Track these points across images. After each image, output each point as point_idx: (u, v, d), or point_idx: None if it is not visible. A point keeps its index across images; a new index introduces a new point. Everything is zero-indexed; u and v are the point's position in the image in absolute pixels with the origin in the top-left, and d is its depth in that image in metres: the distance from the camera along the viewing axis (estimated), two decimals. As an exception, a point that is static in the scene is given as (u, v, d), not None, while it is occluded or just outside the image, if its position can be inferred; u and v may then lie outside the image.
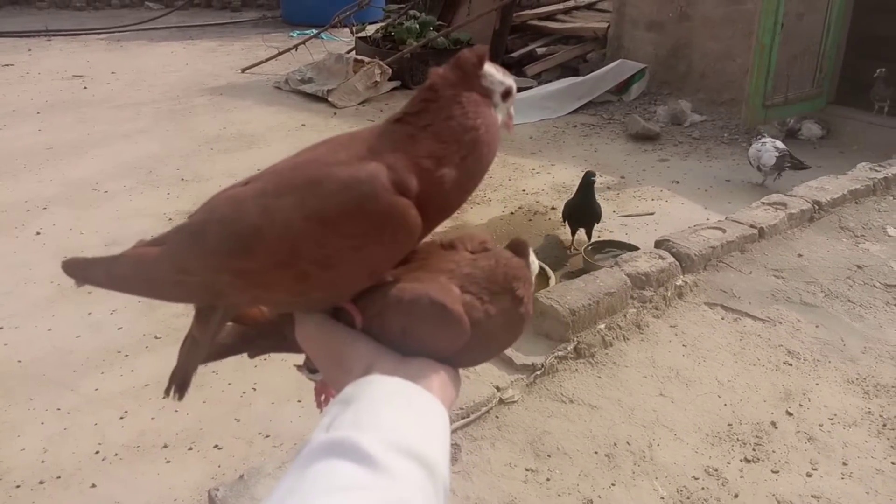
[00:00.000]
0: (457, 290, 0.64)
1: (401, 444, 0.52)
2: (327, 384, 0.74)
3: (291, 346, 0.69)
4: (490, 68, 0.64)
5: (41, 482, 2.11)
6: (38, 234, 3.62)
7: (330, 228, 0.58)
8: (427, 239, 0.67)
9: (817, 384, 2.31)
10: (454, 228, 3.37)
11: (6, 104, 5.69)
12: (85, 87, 6.21)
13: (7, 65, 6.87)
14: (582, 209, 3.50)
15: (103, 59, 7.13)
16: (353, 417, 0.54)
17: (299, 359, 0.74)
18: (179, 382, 0.76)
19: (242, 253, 0.60)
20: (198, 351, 0.74)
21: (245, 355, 0.78)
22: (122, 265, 0.67)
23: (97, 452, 2.22)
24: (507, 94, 0.66)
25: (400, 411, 0.55)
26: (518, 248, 0.69)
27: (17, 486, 2.09)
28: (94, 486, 2.10)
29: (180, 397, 0.76)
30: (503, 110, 0.66)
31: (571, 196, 3.60)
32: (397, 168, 0.59)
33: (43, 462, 2.18)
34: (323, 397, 0.75)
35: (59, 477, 2.13)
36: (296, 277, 0.60)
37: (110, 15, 9.36)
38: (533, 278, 0.71)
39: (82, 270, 0.69)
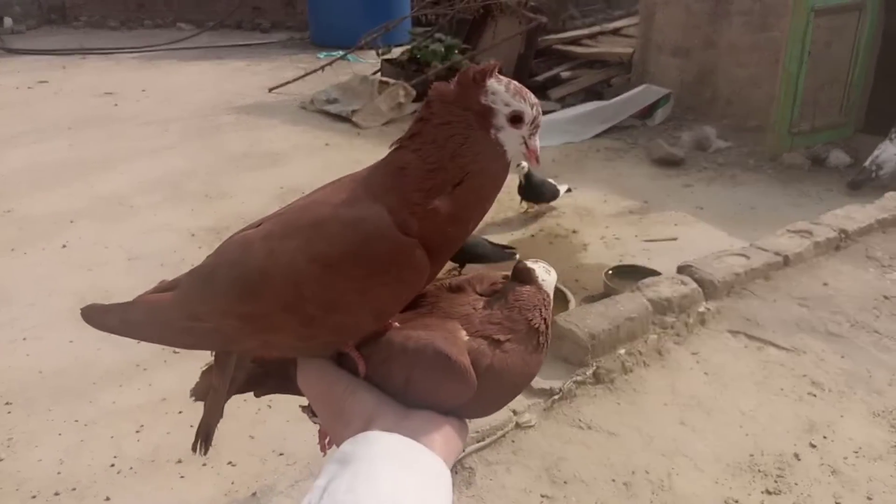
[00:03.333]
0: (464, 338, 0.62)
1: None
2: None
3: (296, 388, 0.67)
4: (496, 85, 0.57)
5: (56, 493, 2.12)
6: (63, 246, 3.68)
7: (334, 270, 0.56)
8: (436, 282, 0.65)
9: (842, 416, 2.26)
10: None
11: (40, 119, 5.83)
12: (116, 105, 6.34)
13: (42, 81, 7.05)
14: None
15: (134, 78, 7.28)
16: (350, 484, 0.52)
17: (305, 399, 0.73)
18: (205, 436, 0.75)
19: (249, 296, 0.59)
20: (219, 400, 0.73)
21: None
22: (135, 311, 0.67)
23: (112, 465, 2.23)
24: (516, 119, 0.58)
25: (398, 478, 0.53)
26: (523, 275, 0.67)
27: (34, 497, 2.10)
28: (108, 499, 2.10)
29: (206, 451, 0.75)
30: (512, 136, 0.58)
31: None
32: (395, 209, 0.56)
33: (59, 473, 2.19)
34: (327, 440, 0.72)
35: (74, 489, 2.13)
36: (302, 321, 0.59)
37: (143, 35, 9.57)
38: (551, 293, 0.68)
39: (99, 317, 0.69)
